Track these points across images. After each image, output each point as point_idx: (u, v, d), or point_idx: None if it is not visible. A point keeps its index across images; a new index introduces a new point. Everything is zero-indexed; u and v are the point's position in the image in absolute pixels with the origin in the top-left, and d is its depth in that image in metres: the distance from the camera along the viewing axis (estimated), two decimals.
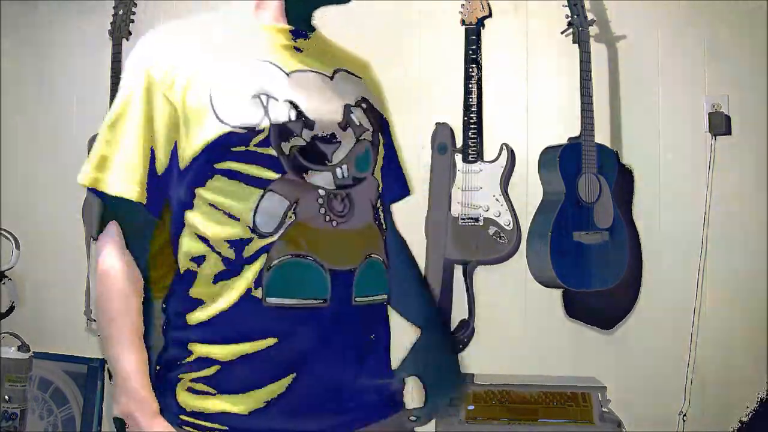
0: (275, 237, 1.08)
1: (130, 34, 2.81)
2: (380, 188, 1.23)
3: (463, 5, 2.56)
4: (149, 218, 1.14)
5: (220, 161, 1.09)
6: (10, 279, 2.70)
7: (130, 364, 1.08)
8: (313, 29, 1.27)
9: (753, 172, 2.46)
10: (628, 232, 2.47)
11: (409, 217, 2.59)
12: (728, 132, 2.48)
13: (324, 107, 1.17)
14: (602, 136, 2.50)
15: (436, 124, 2.60)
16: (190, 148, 1.10)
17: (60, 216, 2.97)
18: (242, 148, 1.08)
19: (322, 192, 1.11)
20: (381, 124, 1.29)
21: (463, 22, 2.56)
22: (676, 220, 2.51)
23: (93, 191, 1.13)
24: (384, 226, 1.24)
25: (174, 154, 1.11)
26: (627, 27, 2.57)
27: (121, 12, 2.84)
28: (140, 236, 1.14)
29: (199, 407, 1.10)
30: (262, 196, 1.09)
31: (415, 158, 2.64)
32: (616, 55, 2.57)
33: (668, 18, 2.55)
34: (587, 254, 2.39)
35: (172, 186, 1.13)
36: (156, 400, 1.09)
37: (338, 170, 1.14)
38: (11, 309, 2.68)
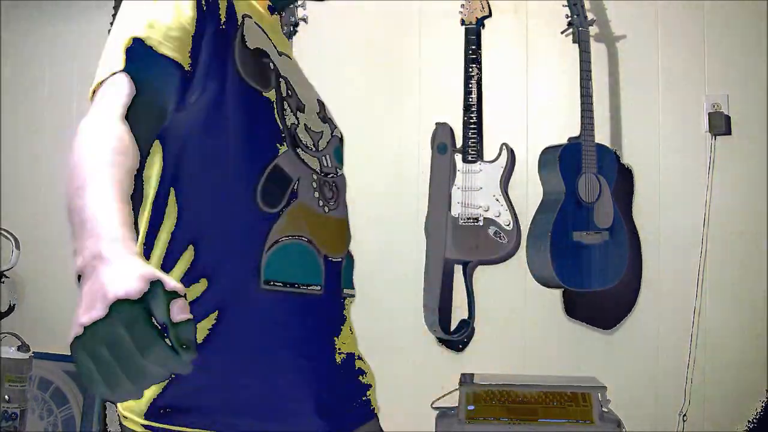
0: (278, 214, 1.02)
1: None
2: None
3: (463, 5, 2.56)
4: (167, 107, 0.98)
5: (233, 107, 1.00)
6: (10, 279, 2.70)
7: (106, 209, 0.80)
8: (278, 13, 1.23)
9: (753, 172, 2.46)
10: (628, 231, 2.47)
11: (409, 217, 2.62)
12: (728, 132, 2.48)
13: (306, 96, 1.15)
14: (602, 136, 2.50)
15: (436, 124, 2.60)
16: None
17: (60, 216, 2.97)
18: (253, 107, 1.01)
19: (314, 176, 1.08)
20: None
21: (463, 22, 2.56)
22: (676, 220, 2.51)
23: (129, 56, 0.94)
24: None
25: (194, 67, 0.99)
26: (627, 27, 2.57)
27: None
28: (148, 128, 0.96)
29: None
30: (270, 167, 1.02)
31: (415, 158, 2.64)
32: (616, 55, 2.57)
33: (668, 18, 2.55)
34: (587, 254, 2.39)
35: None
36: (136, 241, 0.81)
37: (324, 158, 1.11)
38: (11, 309, 2.69)
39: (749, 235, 2.45)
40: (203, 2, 1.00)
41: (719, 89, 2.49)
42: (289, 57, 1.18)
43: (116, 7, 2.86)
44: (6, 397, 2.26)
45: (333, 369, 1.09)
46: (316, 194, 1.07)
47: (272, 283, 1.01)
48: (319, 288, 1.06)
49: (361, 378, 1.16)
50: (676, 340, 2.47)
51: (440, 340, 2.62)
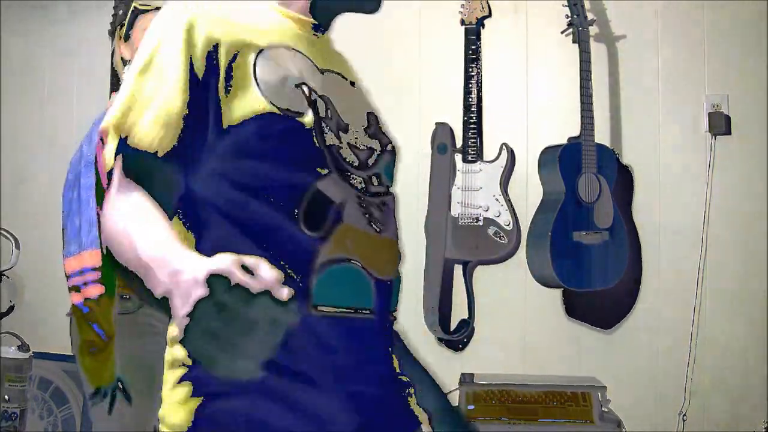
0: (323, 237, 1.01)
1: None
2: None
3: (463, 5, 2.56)
4: (176, 177, 0.99)
5: (265, 139, 1.00)
6: (10, 279, 2.70)
7: (163, 241, 0.89)
8: (325, 30, 1.23)
9: (753, 172, 2.46)
10: (627, 231, 2.47)
11: (409, 217, 2.62)
12: (728, 132, 2.48)
13: (353, 112, 1.14)
14: (602, 136, 2.50)
15: (436, 124, 2.60)
16: (232, 112, 0.99)
17: (60, 216, 2.97)
18: (288, 134, 1.01)
19: (361, 196, 1.07)
20: None
21: (463, 22, 2.56)
22: (676, 220, 2.51)
23: (119, 146, 0.97)
24: None
25: (212, 111, 0.99)
26: (627, 27, 2.57)
27: (121, 12, 2.83)
28: (166, 199, 0.99)
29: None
30: (311, 191, 1.01)
31: (416, 158, 2.64)
32: (616, 55, 2.57)
33: (668, 18, 2.55)
34: (587, 254, 2.39)
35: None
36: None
37: (372, 177, 1.10)
38: (11, 309, 2.69)
39: (749, 235, 2.45)
40: (194, 70, 0.99)
41: (719, 89, 2.49)
42: (340, 73, 1.16)
43: (116, 7, 2.86)
44: (6, 397, 2.26)
45: (378, 393, 1.07)
46: (365, 215, 1.07)
47: (322, 307, 1.00)
48: (369, 312, 1.06)
49: (410, 400, 1.15)
50: (676, 339, 2.47)
51: (440, 340, 2.62)
